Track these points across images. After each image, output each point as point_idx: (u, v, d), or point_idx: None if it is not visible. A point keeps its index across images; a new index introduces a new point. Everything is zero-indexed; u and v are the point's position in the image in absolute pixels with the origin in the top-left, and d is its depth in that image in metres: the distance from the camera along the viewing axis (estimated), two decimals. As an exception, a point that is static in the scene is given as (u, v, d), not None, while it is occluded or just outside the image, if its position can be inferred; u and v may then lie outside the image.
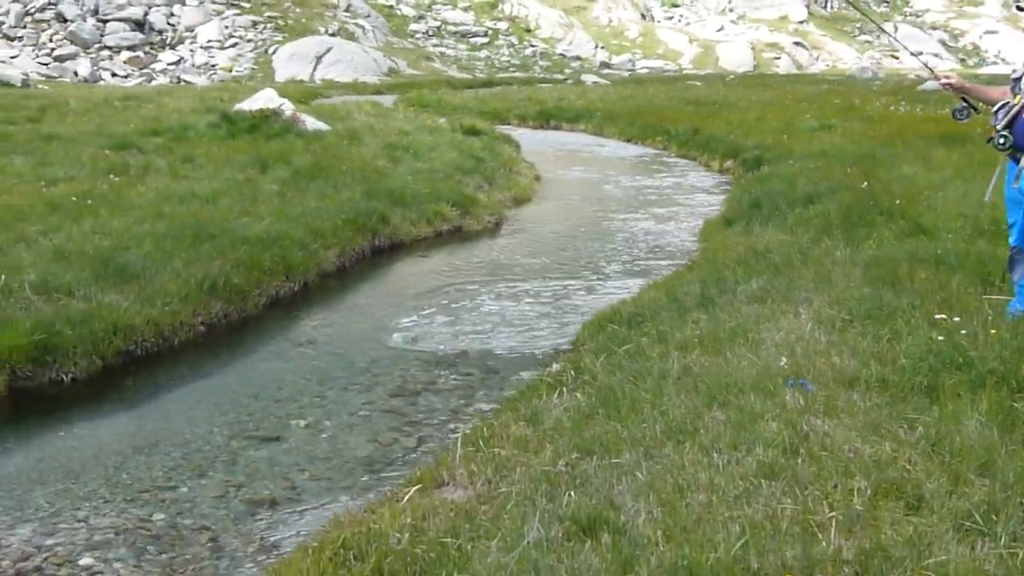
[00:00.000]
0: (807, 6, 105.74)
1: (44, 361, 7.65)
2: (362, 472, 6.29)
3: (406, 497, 5.15)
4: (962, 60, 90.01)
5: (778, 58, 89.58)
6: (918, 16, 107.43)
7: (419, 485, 5.32)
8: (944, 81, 7.20)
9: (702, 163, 23.23)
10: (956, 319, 6.74)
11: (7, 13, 61.47)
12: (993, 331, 6.22)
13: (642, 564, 3.97)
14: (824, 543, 4.06)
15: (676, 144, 25.90)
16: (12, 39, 59.87)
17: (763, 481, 4.65)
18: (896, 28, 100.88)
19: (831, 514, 4.28)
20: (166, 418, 7.20)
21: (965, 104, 7.13)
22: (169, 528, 5.56)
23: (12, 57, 56.04)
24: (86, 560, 5.19)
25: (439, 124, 23.46)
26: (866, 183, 13.27)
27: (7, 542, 5.35)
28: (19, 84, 38.90)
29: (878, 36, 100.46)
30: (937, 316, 6.85)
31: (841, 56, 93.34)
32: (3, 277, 8.55)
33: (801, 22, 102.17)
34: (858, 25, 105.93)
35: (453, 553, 4.29)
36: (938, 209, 11.08)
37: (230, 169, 14.88)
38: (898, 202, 11.68)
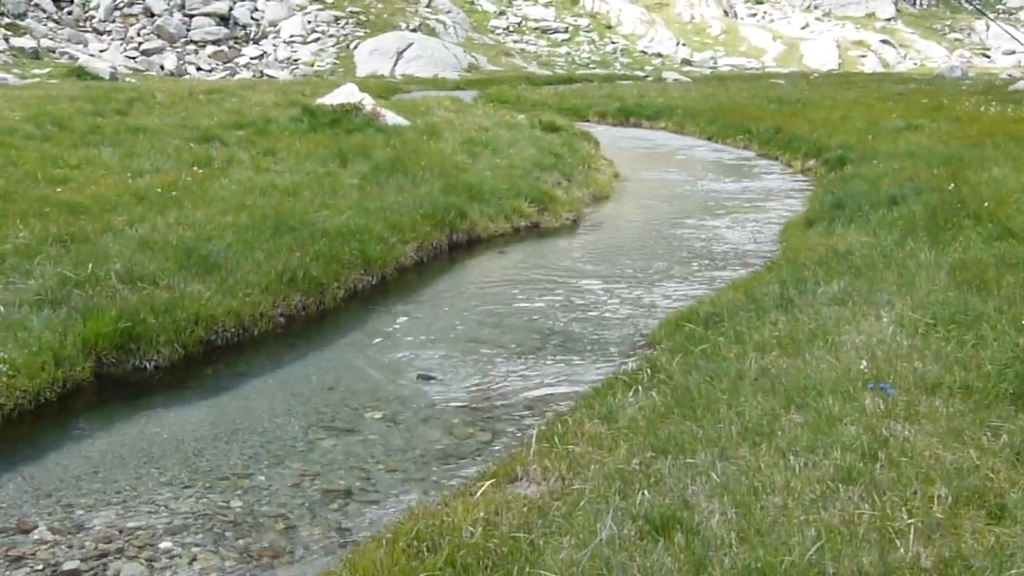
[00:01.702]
0: (895, 3, 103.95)
1: (128, 348, 7.81)
2: (437, 465, 6.32)
3: (480, 491, 5.17)
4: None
5: (864, 56, 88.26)
6: (1012, 14, 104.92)
7: (493, 479, 5.34)
8: None
9: (784, 162, 22.96)
10: (1044, 325, 6.58)
11: (97, 7, 62.91)
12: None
13: (715, 565, 3.95)
14: (902, 550, 4.00)
15: (758, 143, 25.62)
16: (101, 33, 61.26)
17: (840, 485, 4.59)
18: (988, 27, 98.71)
19: (910, 521, 4.22)
20: (245, 407, 7.31)
21: None
22: (246, 515, 5.65)
23: (101, 51, 57.38)
24: (166, 544, 5.29)
25: (518, 120, 23.47)
26: (953, 185, 12.99)
27: (90, 524, 5.48)
28: (107, 77, 39.84)
29: (968, 34, 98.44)
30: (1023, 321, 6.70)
31: (930, 55, 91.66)
32: (90, 266, 8.74)
33: (889, 19, 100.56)
34: (948, 23, 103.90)
35: (525, 548, 4.30)
36: (1027, 212, 10.81)
37: (311, 162, 15.06)
38: (986, 205, 11.42)
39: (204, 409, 7.28)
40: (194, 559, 5.17)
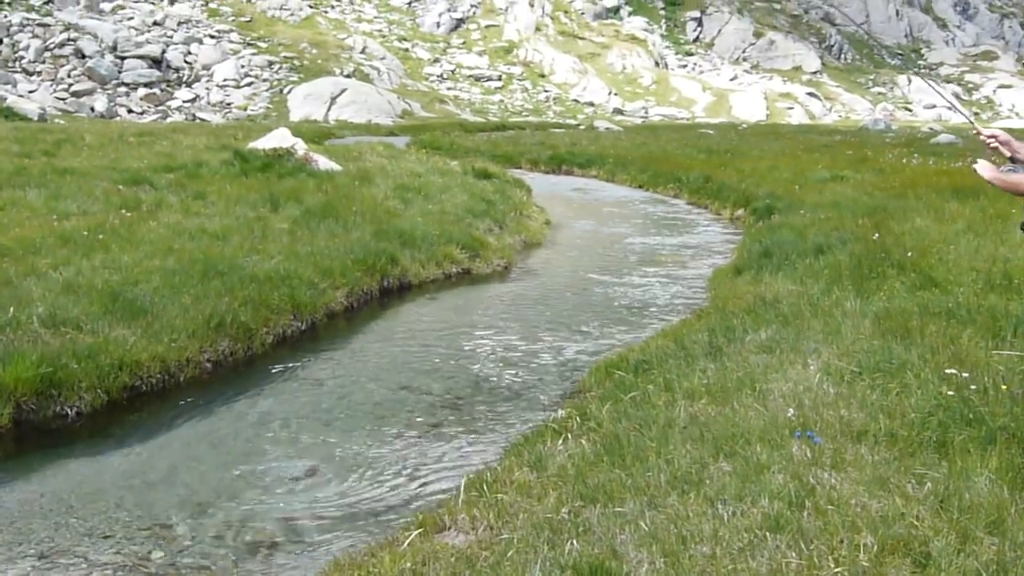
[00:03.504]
0: (821, 57, 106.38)
1: (49, 394, 7.63)
2: (363, 515, 6.22)
3: (407, 541, 5.10)
4: (976, 114, 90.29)
5: (791, 108, 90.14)
6: (932, 69, 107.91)
7: (420, 529, 5.27)
8: (988, 136, 5.75)
9: (713, 211, 23.24)
10: (966, 374, 6.67)
11: (27, 48, 62.15)
12: (1004, 387, 6.17)
13: (644, 616, 3.92)
14: (829, 600, 4.00)
15: (688, 192, 25.92)
16: (31, 74, 60.50)
17: (768, 534, 4.60)
18: (910, 81, 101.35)
19: (836, 570, 4.23)
20: (168, 455, 7.15)
21: (1013, 165, 5.71)
22: (168, 567, 5.51)
23: (30, 91, 56.63)
24: (84, 598, 5.15)
25: (451, 167, 23.55)
26: (877, 235, 13.24)
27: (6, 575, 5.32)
28: (36, 118, 39.27)
29: (891, 88, 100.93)
30: (947, 370, 6.80)
31: (854, 107, 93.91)
32: (12, 310, 8.56)
33: (815, 72, 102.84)
34: (871, 77, 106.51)
35: (453, 600, 4.24)
36: (950, 262, 11.04)
37: (242, 207, 14.94)
38: (910, 254, 11.64)
39: (126, 457, 7.12)
40: (113, 613, 5.03)
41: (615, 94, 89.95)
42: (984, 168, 5.50)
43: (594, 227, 20.51)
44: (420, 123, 58.66)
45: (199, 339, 9.03)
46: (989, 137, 5.65)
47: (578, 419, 6.82)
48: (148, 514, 6.16)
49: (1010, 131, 5.37)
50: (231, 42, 72.65)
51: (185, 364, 8.75)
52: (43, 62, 61.84)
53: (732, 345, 8.41)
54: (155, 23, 71.66)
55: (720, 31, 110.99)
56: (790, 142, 40.49)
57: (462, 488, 5.73)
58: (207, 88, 66.32)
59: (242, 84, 67.58)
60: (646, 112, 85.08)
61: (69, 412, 7.68)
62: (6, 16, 64.63)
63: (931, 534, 4.56)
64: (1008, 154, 5.64)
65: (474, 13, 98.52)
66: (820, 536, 4.57)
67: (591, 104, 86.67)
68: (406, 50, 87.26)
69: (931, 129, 54.74)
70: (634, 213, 23.04)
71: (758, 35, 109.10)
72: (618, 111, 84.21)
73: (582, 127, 62.27)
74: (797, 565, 4.28)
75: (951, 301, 9.23)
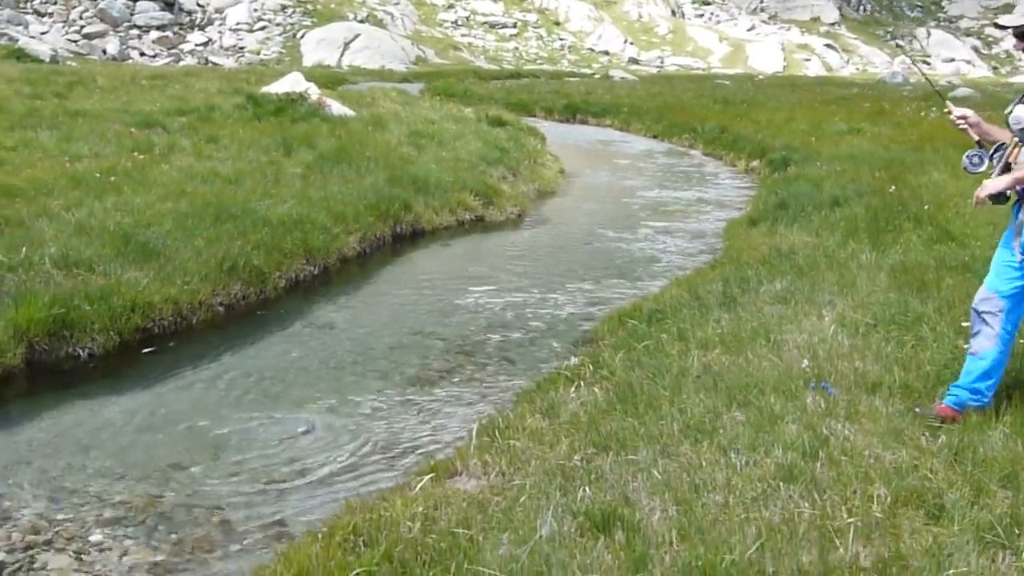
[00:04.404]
0: (839, 8, 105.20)
1: (62, 335, 7.63)
2: (376, 459, 6.23)
3: (418, 486, 5.09)
4: (994, 68, 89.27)
5: (808, 60, 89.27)
6: (952, 22, 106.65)
7: (432, 474, 5.27)
8: (958, 116, 5.56)
9: (728, 162, 23.08)
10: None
11: (39, -12, 61.70)
12: (1021, 340, 6.12)
13: (655, 563, 3.92)
14: (841, 549, 4.00)
15: (703, 142, 25.75)
16: (42, 15, 60.11)
17: (781, 484, 4.59)
18: (929, 33, 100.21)
19: (849, 520, 4.22)
20: (180, 397, 7.16)
21: (979, 150, 5.54)
22: (180, 507, 5.52)
23: (42, 33, 56.32)
24: (96, 536, 5.16)
25: (465, 114, 23.38)
26: (894, 188, 13.14)
27: (19, 514, 5.33)
28: (48, 60, 39.10)
29: (910, 41, 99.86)
30: (964, 324, 6.74)
31: (872, 60, 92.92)
32: (24, 250, 8.55)
33: (833, 24, 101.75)
34: (890, 29, 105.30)
35: (464, 544, 4.24)
36: (966, 216, 10.95)
37: (254, 151, 14.87)
38: (926, 208, 11.56)
39: (139, 399, 7.12)
40: (125, 552, 5.04)
41: (631, 43, 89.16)
42: (981, 193, 5.39)
43: (608, 177, 20.40)
44: (434, 70, 58.24)
45: (212, 282, 9.01)
46: (959, 118, 5.53)
47: (591, 367, 6.80)
48: (160, 455, 6.17)
49: None
50: (245, -15, 72.09)
51: (198, 307, 8.74)
52: (55, 3, 61.39)
53: (747, 295, 8.38)
54: (168, -36, 71.09)
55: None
56: (807, 94, 40.13)
57: (474, 434, 5.72)
58: (220, 32, 65.87)
59: (255, 28, 67.11)
60: (662, 62, 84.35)
61: (82, 353, 7.69)
62: (18, -43, 64.16)
63: (945, 486, 4.54)
64: (976, 137, 5.56)
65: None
66: (833, 486, 4.56)
67: (606, 53, 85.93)
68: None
69: (949, 83, 54.13)
70: (649, 163, 22.89)
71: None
72: (633, 60, 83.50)
73: (597, 76, 61.79)
74: (810, 515, 4.27)
75: (967, 255, 9.18)
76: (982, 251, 9.18)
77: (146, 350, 8.03)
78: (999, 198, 5.37)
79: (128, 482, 5.79)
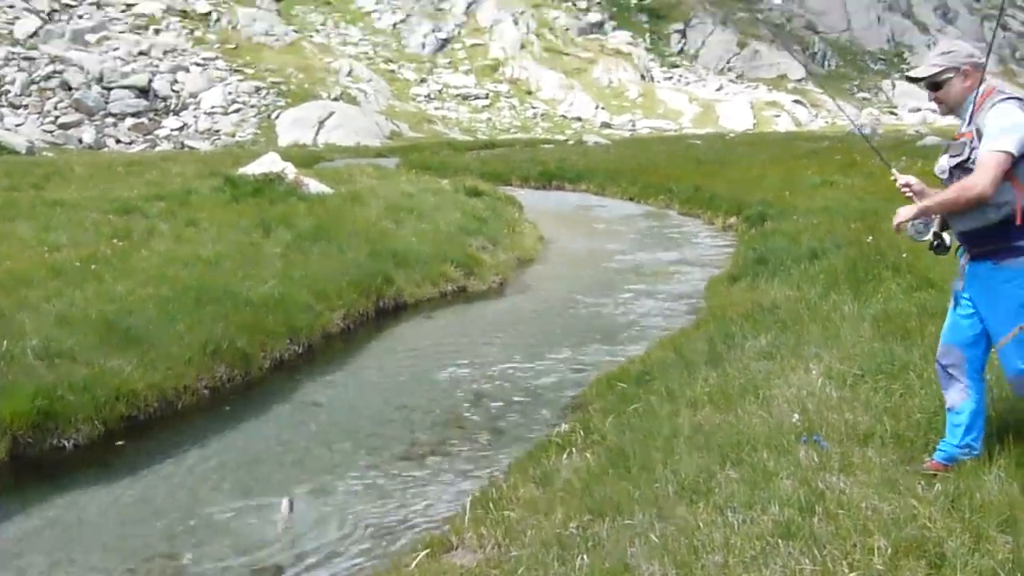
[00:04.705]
0: (805, 65, 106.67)
1: (46, 427, 7.55)
2: (370, 537, 6.15)
3: (414, 562, 5.04)
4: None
5: (778, 116, 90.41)
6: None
7: (427, 550, 5.21)
8: (903, 185, 5.53)
9: (705, 220, 23.23)
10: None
11: (12, 82, 62.05)
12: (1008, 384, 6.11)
13: (659, 629, 3.86)
14: (845, 605, 3.94)
15: (679, 202, 25.92)
16: (17, 107, 60.35)
17: (780, 541, 4.54)
18: (894, 85, 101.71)
19: (851, 574, 4.17)
20: (168, 484, 7.08)
21: (924, 218, 5.41)
22: (172, 598, 5.44)
23: (17, 125, 56.55)
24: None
25: (442, 185, 23.51)
26: (871, 238, 13.22)
27: (7, 614, 5.24)
28: (24, 151, 39.28)
29: (876, 93, 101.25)
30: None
31: (840, 113, 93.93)
32: (5, 343, 8.48)
33: (799, 80, 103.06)
34: (856, 83, 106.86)
35: (464, 621, 4.18)
36: (945, 263, 10.95)
37: (234, 232, 14.85)
38: (904, 256, 11.61)
39: (126, 488, 7.03)
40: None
41: (602, 108, 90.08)
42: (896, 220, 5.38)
43: (587, 242, 20.47)
44: (409, 143, 58.68)
45: (195, 366, 8.97)
46: (903, 187, 5.52)
47: (582, 433, 6.77)
48: (150, 544, 6.09)
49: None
50: (217, 69, 72.62)
51: (183, 392, 8.68)
52: (29, 95, 61.70)
53: (732, 352, 8.37)
54: (140, 53, 71.56)
55: (704, 42, 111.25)
56: (779, 149, 40.53)
57: (468, 506, 5.67)
58: (195, 116, 66.28)
59: (230, 111, 67.55)
60: (634, 125, 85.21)
61: (67, 444, 7.61)
62: (-9, 51, 64.63)
63: (944, 534, 4.50)
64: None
65: (459, 32, 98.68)
66: (833, 541, 4.51)
67: (579, 119, 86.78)
68: (392, 71, 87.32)
69: (917, 132, 54.86)
70: (626, 226, 23.00)
71: (742, 45, 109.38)
72: (606, 125, 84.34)
73: (571, 142, 62.30)
74: (811, 571, 4.22)
75: (948, 301, 9.18)
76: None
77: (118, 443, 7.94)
78: (939, 248, 5.38)
79: (120, 574, 5.70)
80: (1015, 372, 5.06)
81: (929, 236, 5.46)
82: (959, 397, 5.33)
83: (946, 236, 5.40)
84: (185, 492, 6.92)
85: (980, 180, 4.91)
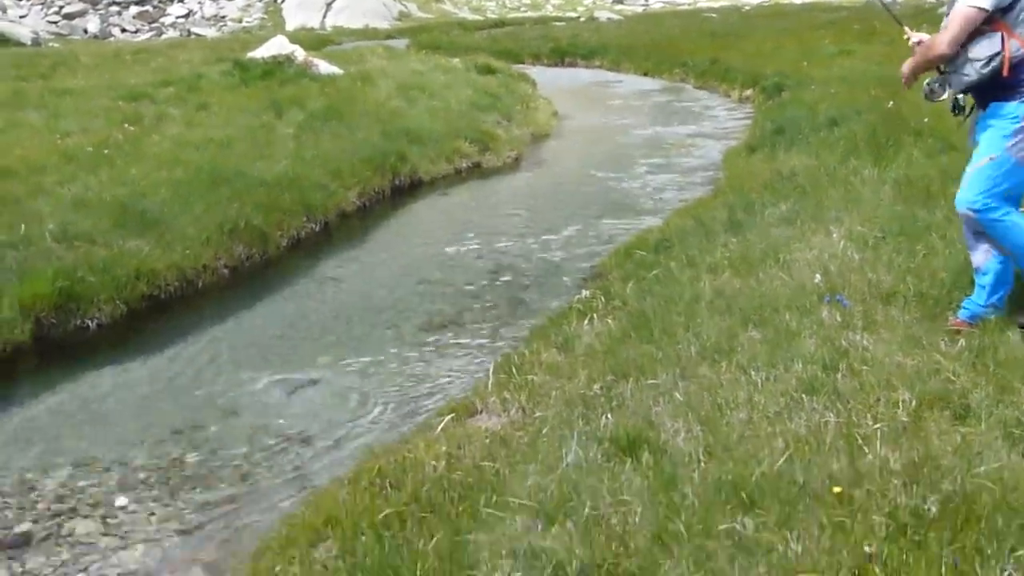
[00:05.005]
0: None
1: (68, 308, 7.57)
2: (394, 405, 6.21)
3: (440, 427, 5.07)
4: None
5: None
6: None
7: (452, 414, 5.25)
8: (916, 42, 5.37)
9: (721, 93, 22.89)
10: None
11: (15, -28, 61.05)
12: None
13: (685, 482, 3.89)
14: (870, 455, 3.96)
15: (694, 75, 25.53)
16: (21, -2, 59.53)
17: (804, 396, 4.55)
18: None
19: (876, 426, 4.18)
20: (192, 360, 7.13)
21: (939, 76, 5.31)
22: (201, 467, 5.51)
23: (21, 16, 55.84)
24: (121, 501, 5.15)
25: (453, 64, 23.17)
26: (892, 103, 13.00)
27: (41, 485, 5.33)
28: (29, 43, 38.82)
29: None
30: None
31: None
32: (23, 227, 8.48)
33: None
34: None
35: (491, 478, 4.22)
36: (968, 126, 10.81)
37: (245, 115, 14.70)
38: (926, 120, 11.43)
39: (151, 365, 7.09)
40: (151, 514, 5.03)
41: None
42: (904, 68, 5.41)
43: (602, 117, 20.23)
44: (418, 24, 57.79)
45: (213, 246, 8.96)
46: (916, 44, 5.39)
47: (603, 299, 6.76)
48: (178, 418, 6.15)
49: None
50: (221, -47, 71.31)
51: (202, 271, 8.69)
52: (33, -15, 60.83)
53: (752, 219, 8.31)
54: (142, -62, 70.23)
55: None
56: (795, 20, 39.73)
57: (491, 372, 5.69)
58: (200, 2, 65.30)
59: (235, -5, 66.54)
60: (647, 0, 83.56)
61: (90, 324, 7.64)
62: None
63: (969, 387, 4.51)
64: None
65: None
66: (856, 396, 4.52)
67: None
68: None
69: (931, 2, 53.65)
70: (642, 101, 22.71)
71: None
72: (618, 1, 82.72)
73: (582, 19, 61.19)
74: (836, 424, 4.23)
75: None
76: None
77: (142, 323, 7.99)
78: (956, 109, 5.32)
79: (148, 447, 5.78)
80: (963, 203, 5.14)
81: (945, 96, 5.39)
82: (984, 258, 5.28)
83: (960, 97, 5.32)
84: (210, 368, 6.97)
85: (941, 39, 4.98)
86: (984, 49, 4.87)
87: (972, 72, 4.94)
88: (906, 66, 5.40)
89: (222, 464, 5.53)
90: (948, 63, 5.10)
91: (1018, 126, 4.89)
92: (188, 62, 24.34)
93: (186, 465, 5.54)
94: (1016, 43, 4.84)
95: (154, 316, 8.03)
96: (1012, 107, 4.91)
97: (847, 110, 13.42)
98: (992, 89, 4.96)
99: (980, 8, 4.79)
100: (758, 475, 3.82)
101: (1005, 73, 4.84)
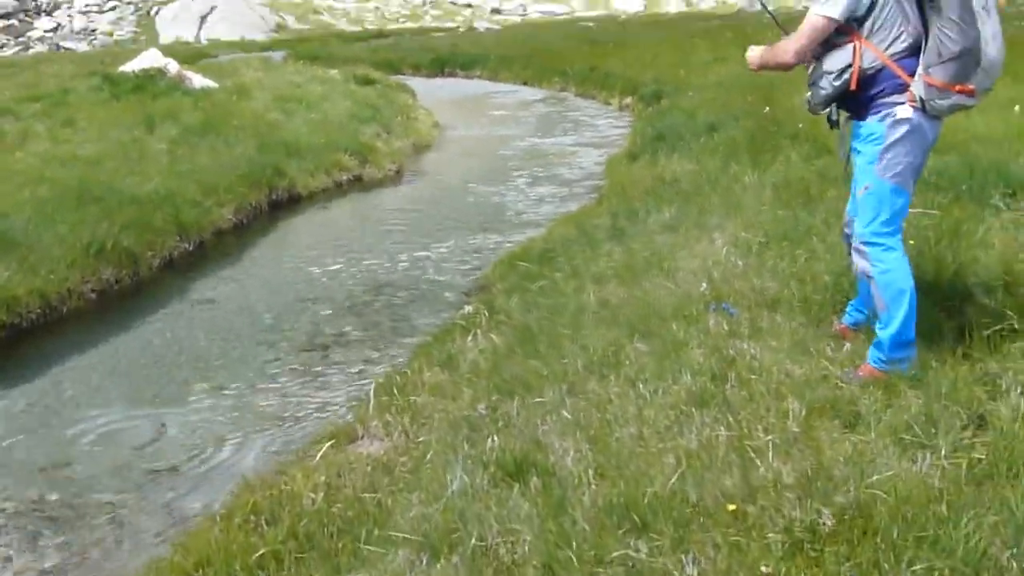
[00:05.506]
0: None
1: (-81, 341, 7.12)
2: (271, 432, 5.94)
3: (319, 454, 4.84)
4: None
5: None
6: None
7: (331, 441, 5.02)
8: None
9: (601, 100, 22.98)
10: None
11: None
12: (912, 241, 6.08)
13: (575, 505, 3.73)
14: (763, 468, 3.86)
15: (574, 83, 25.60)
16: None
17: (694, 409, 4.44)
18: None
19: (767, 438, 4.09)
20: (55, 392, 6.72)
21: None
22: (64, 508, 5.17)
23: None
24: (-21, 549, 4.79)
25: (331, 75, 22.83)
26: (768, 109, 13.15)
27: None
28: None
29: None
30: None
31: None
32: None
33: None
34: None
35: (372, 509, 4.02)
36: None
37: (115, 130, 14.19)
38: (800, 125, 11.57)
39: (8, 399, 6.65)
40: (7, 559, 4.68)
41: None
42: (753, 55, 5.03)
43: (484, 128, 20.10)
44: (296, 36, 57.07)
45: (80, 268, 8.55)
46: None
47: (486, 313, 6.60)
48: (39, 456, 5.78)
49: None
50: (89, -35, 69.45)
51: (67, 296, 8.27)
52: None
53: (636, 227, 8.25)
54: (6, -50, 68.00)
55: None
56: (671, 29, 40.31)
57: (372, 394, 5.47)
58: (69, 15, 63.48)
59: (106, 8, 64.85)
60: (524, 10, 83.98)
61: (-58, 359, 7.19)
62: None
63: (858, 393, 4.45)
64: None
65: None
66: (746, 406, 4.43)
67: (469, 6, 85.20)
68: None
69: (805, 7, 55.07)
70: (524, 111, 22.65)
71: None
72: (496, 11, 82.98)
73: (461, 29, 61.23)
74: (727, 437, 4.13)
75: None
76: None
77: None
78: (830, 122, 5.04)
79: (5, 489, 5.40)
80: (857, 237, 4.71)
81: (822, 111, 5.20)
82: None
83: (832, 109, 5.09)
84: (75, 401, 6.58)
85: (788, 47, 4.70)
86: (837, 61, 4.61)
87: (827, 85, 4.62)
88: (755, 54, 5.03)
89: (87, 504, 5.20)
90: (810, 74, 4.93)
91: (880, 147, 4.53)
92: (56, 76, 23.51)
93: (47, 507, 5.19)
94: (871, 54, 4.53)
95: (14, 346, 7.58)
96: (872, 125, 4.56)
97: (724, 116, 13.54)
98: (853, 105, 4.67)
99: (829, 18, 4.51)
100: (650, 495, 3.68)
101: (853, 86, 4.52)
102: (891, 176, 4.54)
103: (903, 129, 4.49)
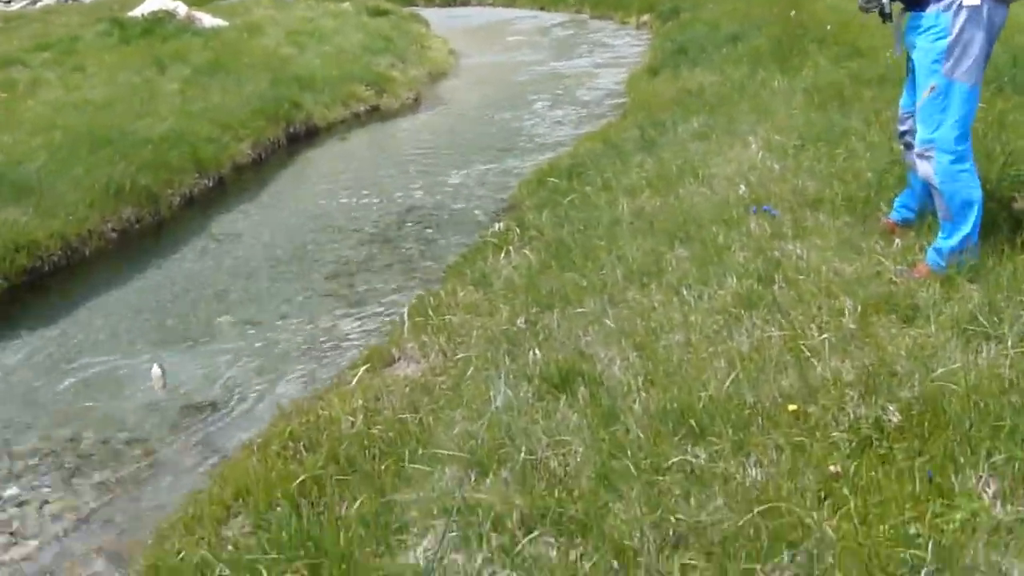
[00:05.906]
0: None
1: (-61, 290, 6.99)
2: (305, 361, 5.79)
3: (355, 379, 4.68)
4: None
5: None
6: None
7: (367, 365, 4.85)
8: None
9: (618, 20, 22.53)
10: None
11: None
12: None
13: (627, 414, 3.56)
14: (820, 368, 3.68)
15: (589, 5, 25.09)
16: None
17: (742, 312, 4.25)
18: None
19: (822, 337, 3.91)
20: (84, 332, 6.57)
21: None
22: (98, 447, 5.04)
23: None
24: (11, 491, 4.68)
25: (343, 8, 22.42)
26: (794, 13, 12.77)
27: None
28: None
29: None
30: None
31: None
32: None
33: None
34: None
35: (414, 430, 3.85)
36: (873, 30, 10.59)
37: (126, 73, 13.92)
38: (829, 28, 11.22)
39: (37, 342, 6.49)
40: (45, 502, 4.56)
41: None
42: None
43: (501, 55, 19.71)
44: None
45: (99, 209, 8.37)
46: None
47: (518, 230, 6.39)
48: (71, 395, 5.65)
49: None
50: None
51: (88, 237, 8.10)
52: None
53: (665, 137, 8.02)
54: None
55: None
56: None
57: (406, 315, 5.29)
58: (75, -34, 62.80)
59: (111, -42, 64.13)
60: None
61: (-35, 306, 7.05)
62: None
63: (914, 287, 4.25)
64: None
65: None
66: (797, 306, 4.24)
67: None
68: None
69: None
70: (540, 36, 22.19)
71: None
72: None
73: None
74: (780, 337, 3.94)
75: (881, 67, 8.85)
76: (895, 62, 8.89)
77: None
78: (883, 16, 4.76)
79: (38, 430, 5.28)
80: (921, 143, 4.44)
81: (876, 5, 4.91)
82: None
83: (886, 2, 4.79)
84: (102, 338, 6.44)
85: None
86: None
87: None
88: None
89: (121, 442, 5.07)
90: None
91: (945, 43, 4.22)
92: (65, 25, 23.15)
93: (81, 446, 5.06)
94: None
95: (38, 289, 7.44)
96: (931, 17, 4.25)
97: (748, 25, 13.18)
98: None
99: None
100: (705, 400, 3.51)
101: None
102: (961, 74, 4.23)
103: (970, 17, 4.18)
